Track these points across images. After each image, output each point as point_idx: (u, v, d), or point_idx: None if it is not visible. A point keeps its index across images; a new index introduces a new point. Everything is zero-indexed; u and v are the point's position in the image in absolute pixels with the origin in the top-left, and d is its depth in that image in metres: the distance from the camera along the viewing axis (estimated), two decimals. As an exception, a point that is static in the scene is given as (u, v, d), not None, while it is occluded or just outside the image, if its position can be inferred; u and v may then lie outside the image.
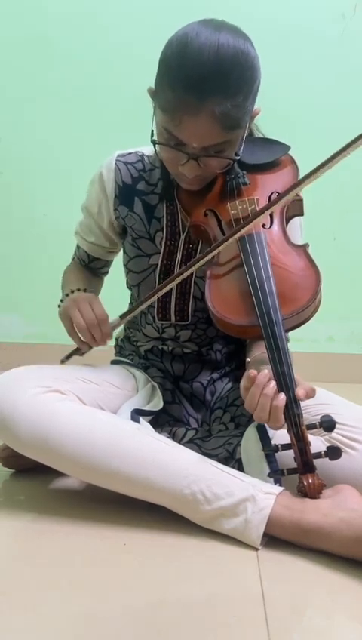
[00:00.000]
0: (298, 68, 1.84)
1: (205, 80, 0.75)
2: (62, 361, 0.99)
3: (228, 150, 0.83)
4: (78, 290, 0.99)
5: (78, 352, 0.98)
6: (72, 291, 0.99)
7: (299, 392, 0.75)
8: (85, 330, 0.91)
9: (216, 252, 0.85)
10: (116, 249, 1.10)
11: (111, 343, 1.17)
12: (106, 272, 1.17)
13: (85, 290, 1.00)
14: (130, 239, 1.01)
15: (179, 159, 0.83)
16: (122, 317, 0.94)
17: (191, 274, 0.97)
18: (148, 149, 1.01)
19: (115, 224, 1.02)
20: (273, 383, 0.75)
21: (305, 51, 1.84)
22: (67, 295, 0.99)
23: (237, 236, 0.84)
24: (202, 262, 0.85)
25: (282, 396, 0.74)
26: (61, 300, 1.01)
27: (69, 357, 1.00)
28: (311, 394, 0.76)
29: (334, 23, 1.83)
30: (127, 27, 1.83)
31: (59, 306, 1.01)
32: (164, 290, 0.89)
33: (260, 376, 0.76)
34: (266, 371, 0.76)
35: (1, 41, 1.85)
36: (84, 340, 0.94)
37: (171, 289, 0.97)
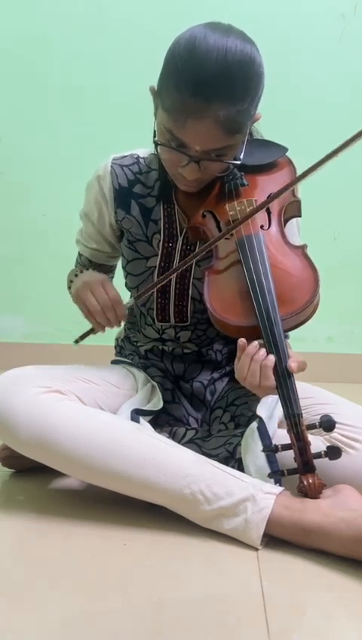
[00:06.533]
0: (298, 68, 1.83)
1: (212, 84, 0.74)
2: (77, 341, 0.96)
3: (230, 154, 0.83)
4: (87, 269, 0.98)
5: (92, 332, 0.96)
6: (81, 271, 0.99)
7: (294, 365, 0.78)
8: (100, 314, 0.91)
9: (213, 244, 0.85)
10: (118, 254, 1.08)
11: (112, 344, 1.17)
12: (111, 277, 1.15)
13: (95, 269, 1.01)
14: (127, 242, 1.00)
15: (180, 161, 0.83)
16: (136, 298, 0.94)
17: (190, 275, 0.97)
18: (143, 151, 1.01)
19: (115, 227, 1.02)
20: (262, 350, 0.78)
21: (305, 51, 1.84)
22: (76, 275, 0.99)
23: (234, 230, 0.84)
24: (200, 255, 0.86)
25: (271, 357, 0.78)
26: (71, 281, 1.00)
27: (83, 337, 0.97)
28: (302, 366, 0.79)
29: (334, 23, 1.83)
30: (127, 27, 1.83)
31: (69, 287, 1.00)
32: (166, 281, 0.90)
33: (250, 346, 0.79)
34: (255, 342, 0.79)
35: (1, 40, 1.85)
36: (99, 322, 0.93)
37: (170, 291, 0.97)
